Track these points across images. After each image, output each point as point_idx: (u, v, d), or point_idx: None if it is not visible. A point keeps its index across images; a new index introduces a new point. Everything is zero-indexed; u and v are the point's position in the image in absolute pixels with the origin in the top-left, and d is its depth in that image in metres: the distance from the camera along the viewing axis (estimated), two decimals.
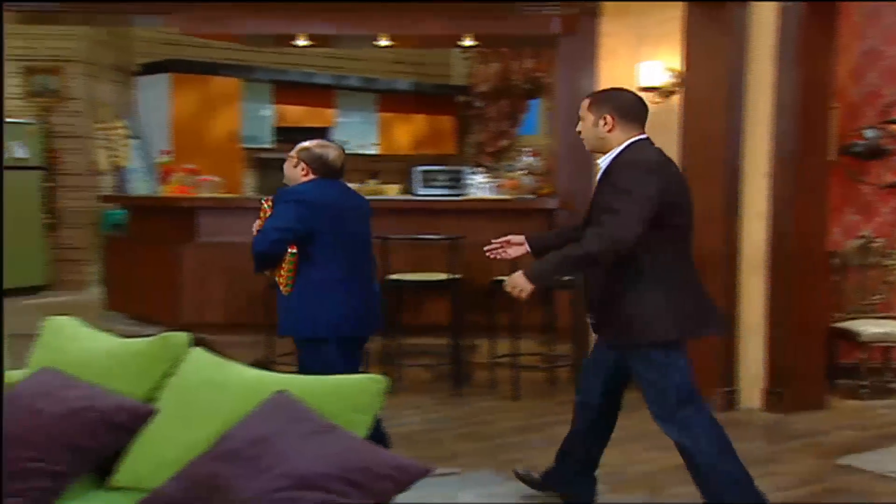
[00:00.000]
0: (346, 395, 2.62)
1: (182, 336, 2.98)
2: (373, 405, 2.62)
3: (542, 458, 4.73)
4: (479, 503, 4.13)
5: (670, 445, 4.95)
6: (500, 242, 3.96)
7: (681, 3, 5.82)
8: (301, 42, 7.11)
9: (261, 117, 10.83)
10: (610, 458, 4.75)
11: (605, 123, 3.59)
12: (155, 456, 2.67)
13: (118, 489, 2.69)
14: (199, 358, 2.90)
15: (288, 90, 10.96)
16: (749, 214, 5.75)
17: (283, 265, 4.06)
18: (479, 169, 8.64)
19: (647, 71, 5.95)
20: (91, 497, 2.65)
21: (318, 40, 7.30)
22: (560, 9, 6.34)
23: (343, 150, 4.37)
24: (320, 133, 11.37)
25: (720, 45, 5.67)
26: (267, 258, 4.07)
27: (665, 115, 5.99)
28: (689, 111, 5.85)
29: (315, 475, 2.25)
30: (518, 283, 3.58)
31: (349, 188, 4.38)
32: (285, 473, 2.25)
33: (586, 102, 3.70)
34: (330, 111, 11.38)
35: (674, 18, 5.89)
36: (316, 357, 4.08)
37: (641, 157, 3.54)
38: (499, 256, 3.97)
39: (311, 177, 4.20)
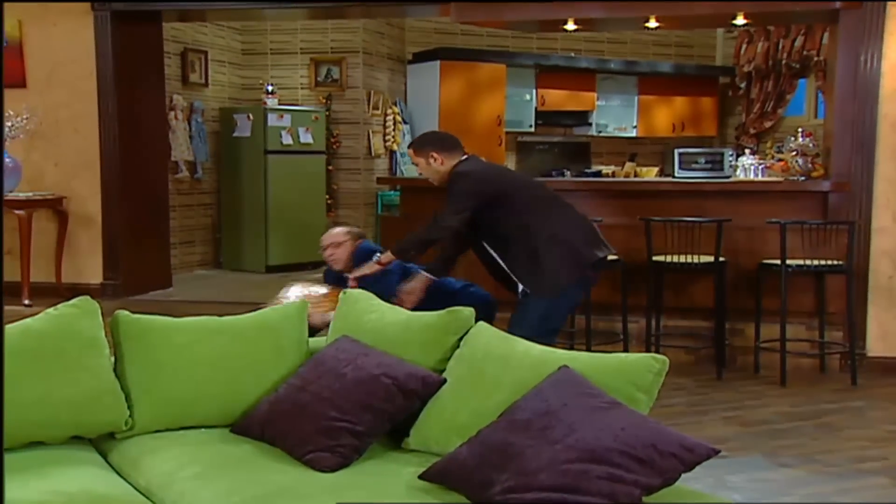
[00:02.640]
0: (628, 373, 2.60)
1: (468, 311, 3.06)
2: (654, 384, 2.59)
3: (815, 447, 4.52)
4: (749, 487, 3.99)
5: None
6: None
7: None
8: (570, 26, 7.08)
9: (524, 102, 10.94)
10: (894, 451, 4.48)
11: (435, 160, 4.49)
12: (444, 422, 2.77)
13: (410, 451, 2.81)
14: (485, 331, 2.97)
15: (550, 75, 10.98)
16: None
17: None
18: (747, 150, 8.31)
19: None
20: (387, 457, 2.78)
21: (586, 24, 7.25)
22: None
23: None
24: (579, 117, 11.37)
25: None
26: None
27: None
28: None
29: (602, 449, 2.24)
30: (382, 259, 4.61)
31: None
32: (573, 446, 2.26)
33: (411, 152, 4.63)
34: (590, 95, 11.31)
35: None
36: None
37: (458, 171, 4.47)
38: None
39: None
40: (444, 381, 2.86)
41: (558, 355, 2.72)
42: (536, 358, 2.73)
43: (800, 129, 6.64)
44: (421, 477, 2.49)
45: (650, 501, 2.23)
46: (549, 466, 2.23)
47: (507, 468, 2.30)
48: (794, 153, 6.40)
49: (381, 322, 3.17)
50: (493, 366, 2.77)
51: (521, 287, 4.48)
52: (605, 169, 10.16)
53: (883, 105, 5.97)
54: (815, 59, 9.98)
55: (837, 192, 6.14)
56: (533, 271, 4.40)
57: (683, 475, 2.29)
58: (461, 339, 2.98)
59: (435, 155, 4.50)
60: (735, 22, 6.96)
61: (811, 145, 6.35)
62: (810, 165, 6.35)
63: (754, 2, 6.39)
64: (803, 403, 5.35)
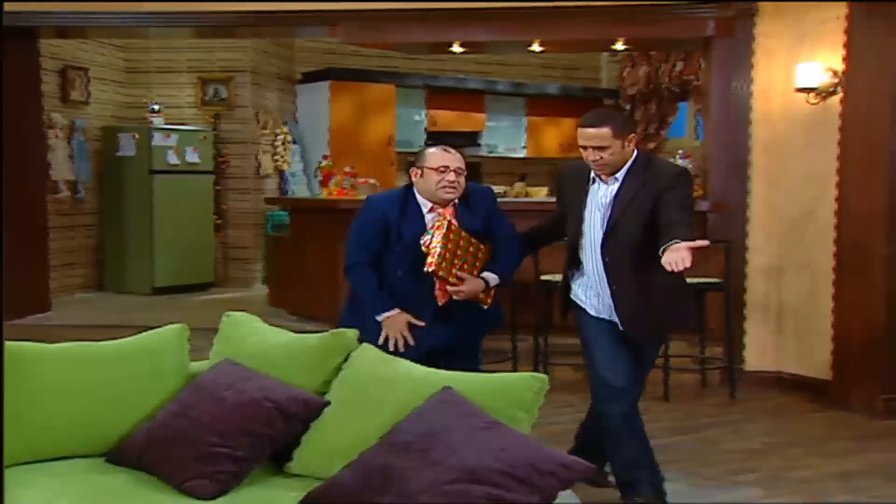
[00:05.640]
0: (510, 393, 2.64)
1: (351, 332, 3.05)
2: (535, 403, 2.63)
3: (696, 461, 4.65)
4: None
5: (830, 452, 4.81)
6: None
7: (844, 2, 5.60)
8: (456, 49, 7.17)
9: (414, 122, 11.00)
10: (769, 463, 4.64)
11: (629, 144, 3.71)
12: (327, 445, 2.75)
13: (292, 476, 2.78)
14: (368, 353, 2.97)
15: (440, 95, 11.09)
16: None
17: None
18: None
19: (806, 72, 5.74)
20: (268, 483, 2.74)
21: (472, 47, 7.34)
22: (715, 10, 6.20)
23: None
24: (469, 137, 11.49)
25: (886, 46, 5.41)
26: None
27: (823, 116, 5.80)
28: (850, 111, 5.61)
29: (483, 469, 2.27)
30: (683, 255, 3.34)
31: None
32: (454, 467, 2.28)
33: (608, 132, 3.65)
34: (480, 115, 11.46)
35: (835, 18, 5.68)
36: None
37: (682, 169, 3.83)
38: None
39: None
40: (327, 403, 2.84)
41: (440, 376, 2.74)
42: (419, 379, 2.74)
43: (679, 151, 6.86)
44: (301, 502, 2.47)
45: None
46: (430, 488, 2.24)
47: (388, 491, 2.30)
48: None
49: (263, 345, 3.13)
50: (375, 388, 2.77)
51: (598, 315, 3.87)
52: (496, 189, 10.24)
53: (755, 128, 6.20)
54: (694, 83, 10.31)
55: (715, 212, 6.34)
56: (667, 308, 3.84)
57: (569, 490, 2.34)
58: (345, 360, 2.97)
59: (633, 138, 3.74)
60: (615, 47, 7.16)
61: (690, 166, 6.55)
62: None
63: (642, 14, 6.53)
64: (685, 418, 5.49)
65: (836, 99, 5.72)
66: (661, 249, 3.39)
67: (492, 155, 11.61)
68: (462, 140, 11.52)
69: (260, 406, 2.77)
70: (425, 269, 3.66)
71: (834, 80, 5.70)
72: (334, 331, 3.06)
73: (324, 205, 7.65)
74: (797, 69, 5.81)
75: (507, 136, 11.69)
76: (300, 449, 2.79)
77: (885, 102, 5.44)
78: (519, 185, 10.17)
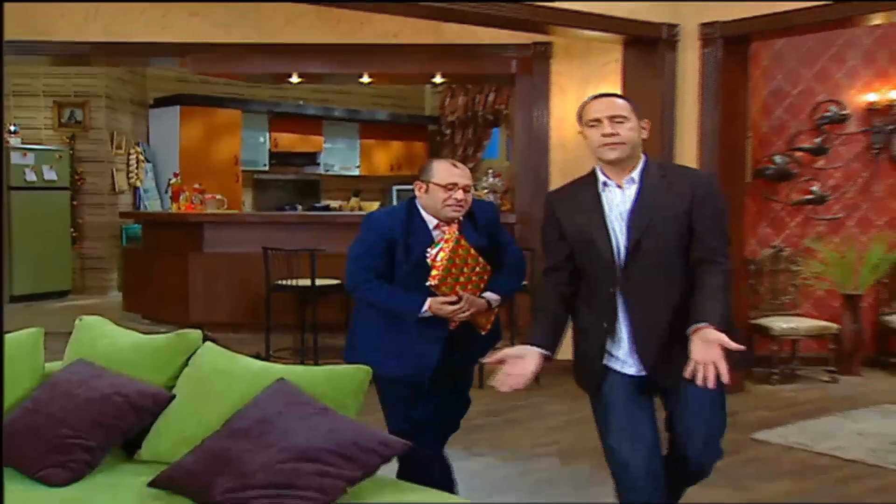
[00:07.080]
0: (338, 382, 2.68)
1: (196, 333, 3.03)
2: (360, 391, 2.70)
3: (504, 438, 4.84)
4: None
5: None
6: (498, 362, 2.77)
7: (620, 46, 5.95)
8: (294, 79, 7.18)
9: (258, 144, 10.88)
10: (566, 437, 4.88)
11: (644, 131, 2.74)
12: (173, 434, 2.72)
13: (142, 462, 2.74)
14: (210, 351, 2.94)
15: (282, 120, 11.02)
16: None
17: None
18: None
19: None
20: (119, 469, 2.70)
21: (309, 77, 7.37)
22: (517, 51, 6.45)
23: None
24: (309, 157, 11.47)
25: (653, 84, 5.80)
26: None
27: None
28: None
29: (312, 449, 2.32)
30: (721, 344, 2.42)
31: None
32: (287, 448, 2.32)
33: (627, 104, 2.70)
34: (318, 138, 11.45)
35: (614, 61, 6.02)
36: None
37: (710, 174, 2.98)
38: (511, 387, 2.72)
39: None
40: (174, 396, 2.81)
41: (276, 369, 2.76)
42: (256, 373, 2.75)
43: (490, 171, 7.09)
44: (149, 485, 2.45)
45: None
46: (265, 467, 2.28)
47: (227, 471, 2.31)
48: (486, 190, 6.81)
49: (114, 346, 3.06)
50: (217, 381, 2.76)
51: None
52: (333, 203, 10.31)
53: (552, 153, 6.46)
54: (505, 111, 10.65)
55: (522, 224, 6.59)
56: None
57: (394, 468, 2.41)
58: (190, 358, 2.95)
59: (647, 126, 2.76)
60: (434, 80, 7.34)
61: (499, 184, 6.80)
62: (499, 201, 6.78)
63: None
64: (496, 403, 5.63)
65: None
66: (690, 328, 2.50)
67: (329, 173, 11.63)
68: (302, 160, 11.48)
69: (111, 400, 2.72)
70: (428, 283, 3.08)
71: None
72: (180, 331, 3.03)
73: (174, 218, 7.50)
74: None
75: (342, 157, 11.73)
76: (149, 438, 2.75)
77: (652, 136, 5.76)
78: (354, 200, 10.25)
